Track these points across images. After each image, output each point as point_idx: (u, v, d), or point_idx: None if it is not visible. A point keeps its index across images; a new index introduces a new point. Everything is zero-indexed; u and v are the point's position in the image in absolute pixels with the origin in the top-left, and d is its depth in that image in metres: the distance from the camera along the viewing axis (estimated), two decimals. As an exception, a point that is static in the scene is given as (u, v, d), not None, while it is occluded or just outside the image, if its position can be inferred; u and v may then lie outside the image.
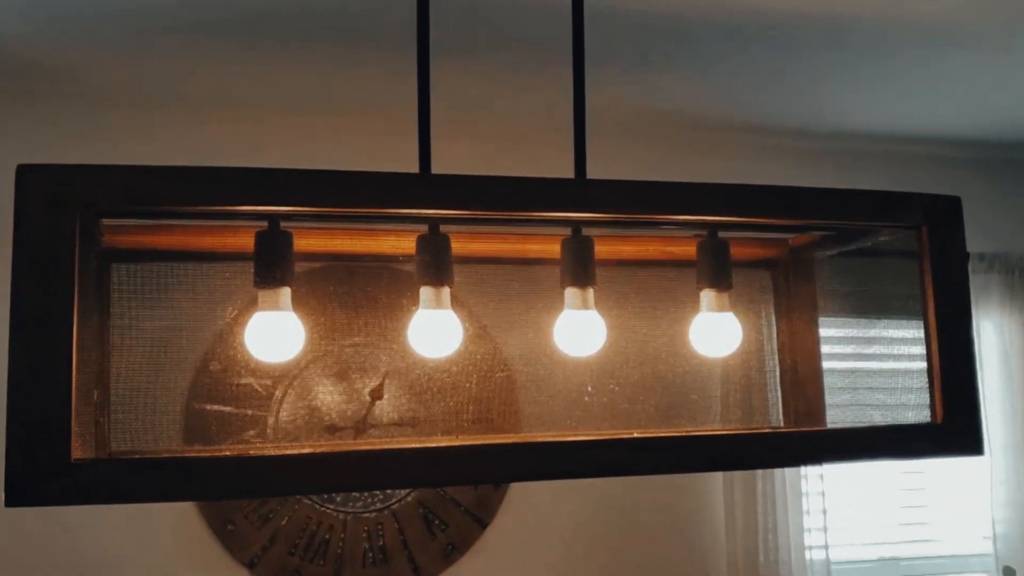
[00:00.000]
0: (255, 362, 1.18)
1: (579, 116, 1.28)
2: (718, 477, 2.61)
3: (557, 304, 1.24)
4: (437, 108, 1.29)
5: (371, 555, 2.43)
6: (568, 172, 1.32)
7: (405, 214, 1.15)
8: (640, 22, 1.97)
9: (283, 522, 2.38)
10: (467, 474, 1.07)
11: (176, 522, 2.34)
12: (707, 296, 1.27)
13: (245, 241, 1.22)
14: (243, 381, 1.21)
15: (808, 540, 2.59)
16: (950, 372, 1.15)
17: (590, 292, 1.23)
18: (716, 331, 1.25)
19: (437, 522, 2.48)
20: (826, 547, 2.62)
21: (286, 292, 1.14)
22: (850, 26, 2.02)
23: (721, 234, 1.29)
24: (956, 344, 1.15)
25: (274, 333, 1.13)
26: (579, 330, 1.22)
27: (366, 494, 2.44)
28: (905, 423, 1.17)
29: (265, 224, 1.13)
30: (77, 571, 2.27)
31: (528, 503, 2.53)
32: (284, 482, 1.02)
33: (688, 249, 1.33)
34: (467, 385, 1.22)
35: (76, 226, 0.93)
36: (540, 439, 1.13)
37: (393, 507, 2.46)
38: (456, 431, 1.22)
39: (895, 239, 1.31)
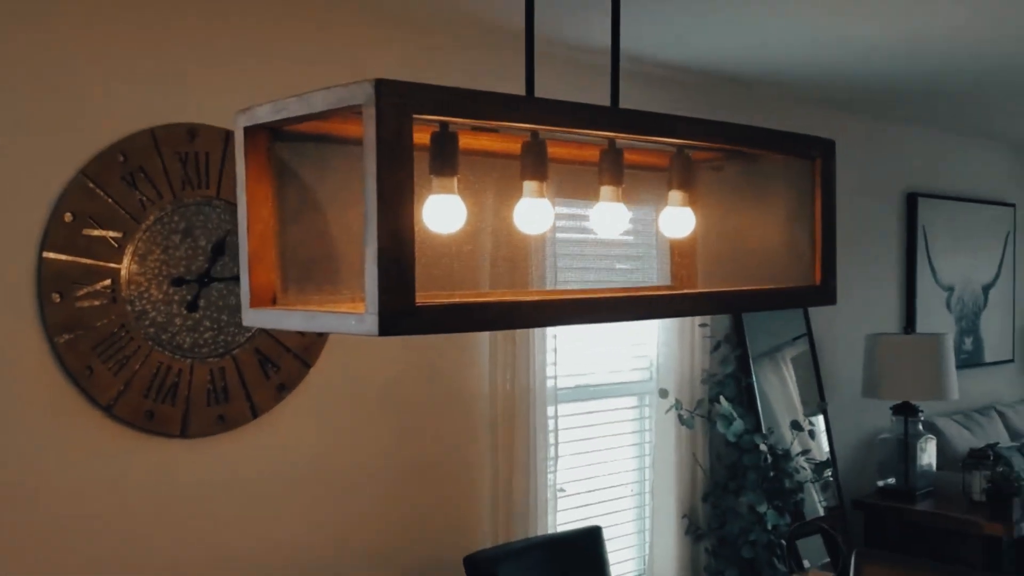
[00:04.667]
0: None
1: (616, 56, 1.74)
2: (485, 332, 3.20)
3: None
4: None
5: (215, 395, 2.67)
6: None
7: (521, 132, 1.55)
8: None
9: (137, 367, 2.53)
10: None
11: (33, 369, 2.39)
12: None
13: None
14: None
15: (548, 372, 3.31)
16: (826, 252, 1.84)
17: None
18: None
19: (270, 365, 2.78)
20: (555, 377, 3.37)
21: (454, 180, 1.48)
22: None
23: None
24: (830, 235, 1.85)
25: (448, 211, 1.47)
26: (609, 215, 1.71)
27: (210, 342, 2.65)
28: (797, 286, 1.85)
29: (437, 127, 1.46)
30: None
31: (343, 348, 2.91)
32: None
33: (656, 160, 1.88)
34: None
35: (412, 125, 1.24)
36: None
37: (234, 352, 2.71)
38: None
39: (765, 165, 1.97)
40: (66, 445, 2.44)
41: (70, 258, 2.42)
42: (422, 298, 1.38)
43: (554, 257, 3.08)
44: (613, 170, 1.72)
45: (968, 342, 5.85)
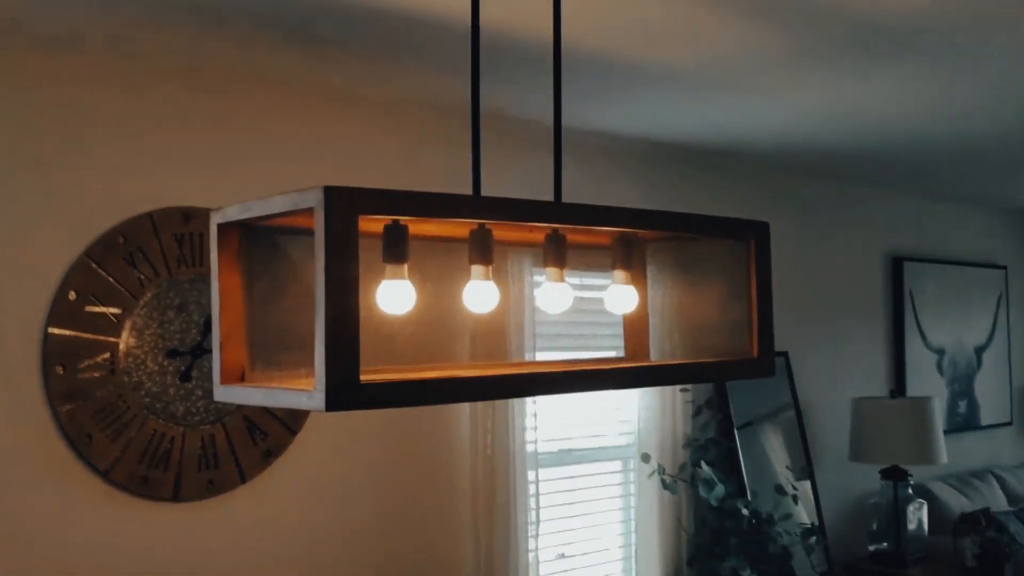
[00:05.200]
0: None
1: (558, 148, 1.91)
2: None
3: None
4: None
5: (205, 461, 2.82)
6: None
7: (467, 222, 1.71)
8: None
9: (133, 434, 2.68)
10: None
11: (36, 436, 2.54)
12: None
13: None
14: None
15: (528, 436, 3.44)
16: (762, 327, 1.98)
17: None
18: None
19: (258, 432, 2.93)
20: (536, 442, 3.49)
21: (405, 267, 1.64)
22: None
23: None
24: (766, 310, 1.99)
25: (398, 295, 1.63)
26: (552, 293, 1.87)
27: (202, 410, 2.81)
28: (737, 358, 1.99)
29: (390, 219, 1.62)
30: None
31: (326, 415, 3.06)
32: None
33: (603, 239, 2.03)
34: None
35: (358, 223, 1.40)
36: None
37: (224, 420, 2.86)
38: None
39: (711, 245, 2.12)
40: (65, 508, 2.59)
41: (73, 333, 2.59)
42: (375, 375, 1.54)
43: (533, 325, 3.24)
44: (556, 253, 1.87)
45: (962, 405, 5.92)
